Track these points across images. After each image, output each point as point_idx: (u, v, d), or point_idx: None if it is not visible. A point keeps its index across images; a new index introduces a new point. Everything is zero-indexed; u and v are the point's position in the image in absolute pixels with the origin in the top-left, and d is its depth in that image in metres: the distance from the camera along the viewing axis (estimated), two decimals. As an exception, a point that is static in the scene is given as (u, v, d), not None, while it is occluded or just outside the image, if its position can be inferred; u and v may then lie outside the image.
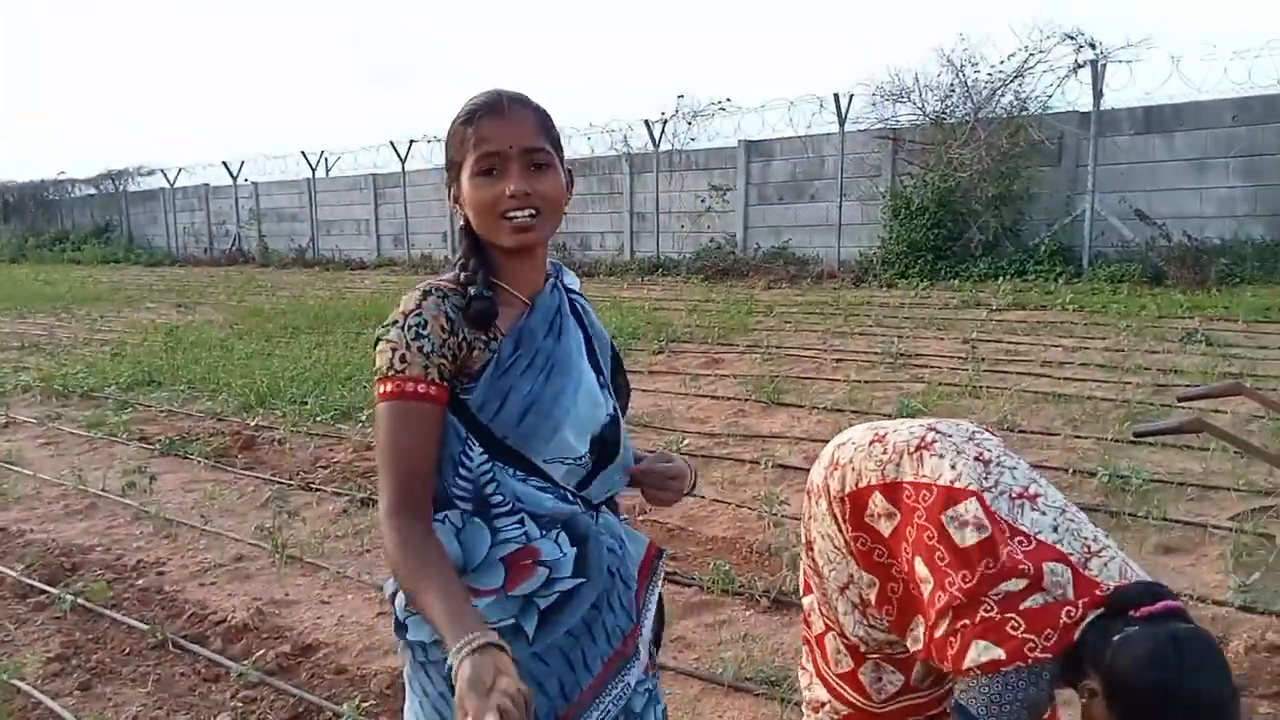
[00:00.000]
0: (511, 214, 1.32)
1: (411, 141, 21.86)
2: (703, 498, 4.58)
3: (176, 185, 28.38)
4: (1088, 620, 1.49)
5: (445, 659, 1.09)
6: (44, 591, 3.79)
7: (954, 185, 13.59)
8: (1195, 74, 20.76)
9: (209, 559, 4.17)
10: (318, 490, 5.08)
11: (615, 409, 1.50)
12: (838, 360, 8.03)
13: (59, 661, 3.22)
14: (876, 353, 8.14)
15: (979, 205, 13.49)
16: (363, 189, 23.48)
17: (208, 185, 27.46)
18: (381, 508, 1.28)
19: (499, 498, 1.34)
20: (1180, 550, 3.75)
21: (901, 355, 7.97)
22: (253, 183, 26.22)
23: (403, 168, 22.27)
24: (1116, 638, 1.43)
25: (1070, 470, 4.70)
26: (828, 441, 2.01)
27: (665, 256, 17.71)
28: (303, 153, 24.39)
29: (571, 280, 1.54)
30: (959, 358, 7.77)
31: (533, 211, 1.33)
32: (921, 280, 13.40)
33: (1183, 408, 4.26)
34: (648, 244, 18.15)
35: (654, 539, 1.59)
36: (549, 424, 1.35)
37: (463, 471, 1.33)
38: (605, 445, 1.45)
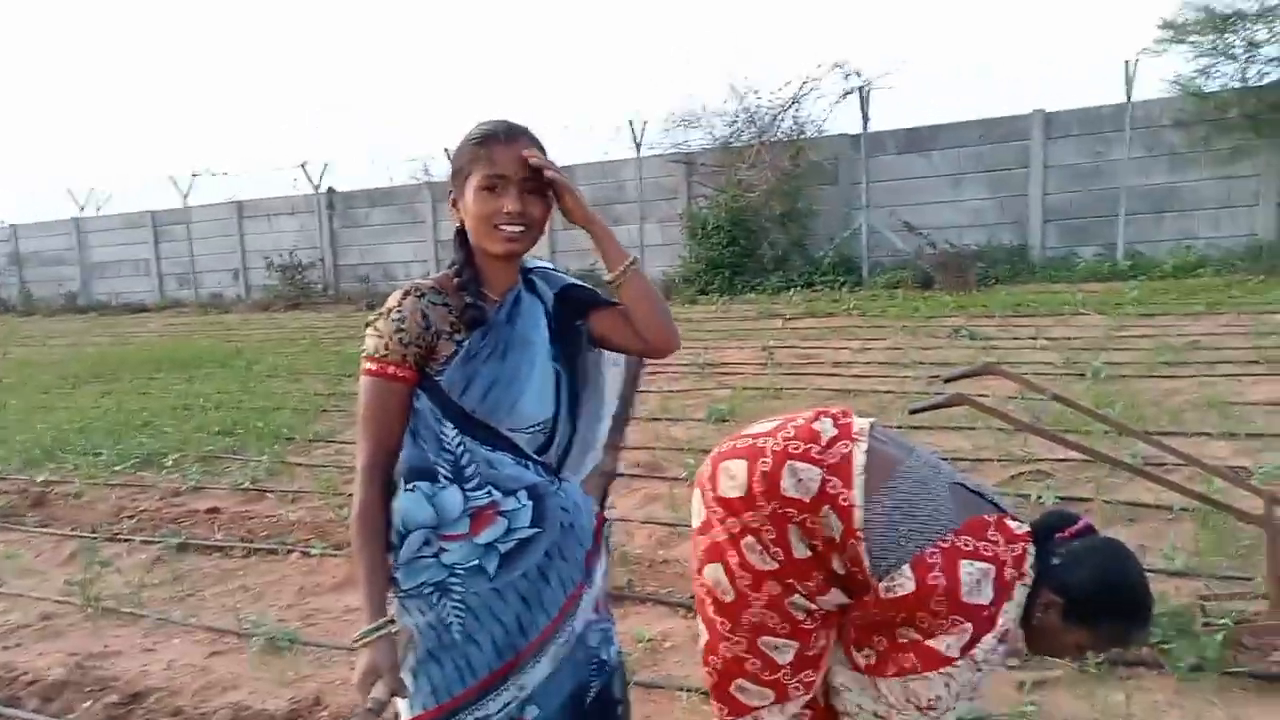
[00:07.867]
0: (504, 227, 1.56)
1: (194, 175, 20.82)
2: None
3: (-83, 230, 25.48)
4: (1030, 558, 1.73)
5: (432, 594, 1.59)
6: None
7: (744, 205, 14.45)
8: (948, 96, 22.97)
9: (11, 620, 3.89)
10: (126, 540, 4.82)
11: (561, 371, 1.71)
12: (650, 373, 8.37)
13: None
14: (684, 364, 8.56)
15: (768, 223, 14.42)
16: (141, 227, 22.00)
17: (-46, 230, 24.83)
18: (359, 464, 1.59)
19: (471, 468, 1.59)
20: (957, 515, 4.27)
21: (708, 365, 8.44)
22: (10, 225, 23.97)
23: (185, 204, 21.11)
24: (1056, 561, 1.73)
25: (863, 455, 5.19)
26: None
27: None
28: (69, 190, 22.63)
29: (554, 278, 1.77)
30: (760, 364, 8.32)
31: (522, 228, 1.57)
32: (721, 295, 14.13)
33: (946, 389, 4.83)
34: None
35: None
36: (509, 397, 1.62)
37: (443, 445, 1.59)
38: (569, 400, 1.72)
